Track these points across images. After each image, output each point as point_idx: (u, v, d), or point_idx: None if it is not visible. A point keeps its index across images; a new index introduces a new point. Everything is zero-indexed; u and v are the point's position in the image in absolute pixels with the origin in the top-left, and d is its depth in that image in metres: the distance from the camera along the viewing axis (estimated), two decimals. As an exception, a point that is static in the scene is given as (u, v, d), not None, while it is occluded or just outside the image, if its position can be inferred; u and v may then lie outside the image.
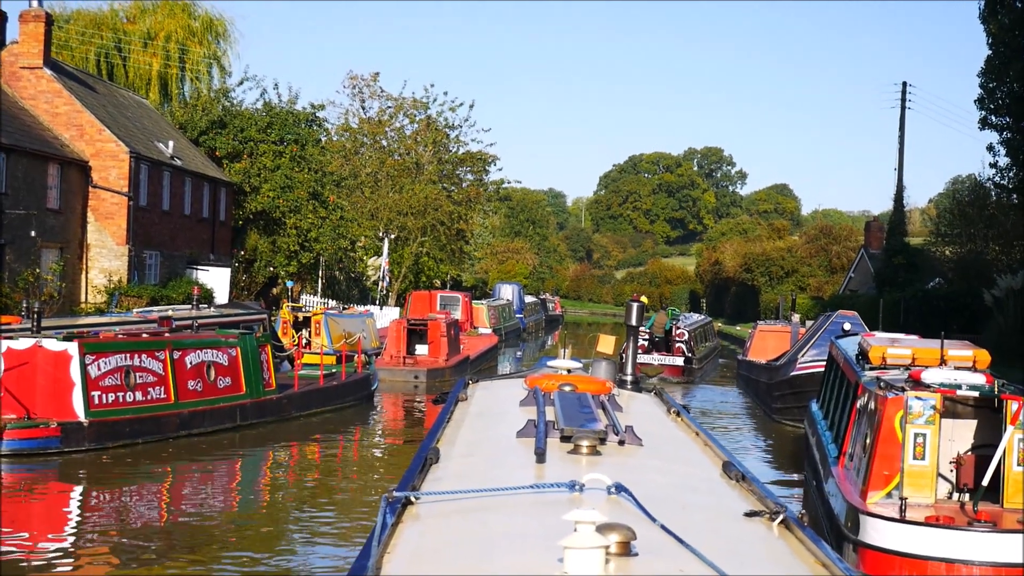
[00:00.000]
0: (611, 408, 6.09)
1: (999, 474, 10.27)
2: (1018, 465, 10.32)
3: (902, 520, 9.98)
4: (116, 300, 33.52)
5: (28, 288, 31.17)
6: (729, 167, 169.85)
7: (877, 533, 10.09)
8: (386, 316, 42.09)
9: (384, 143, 58.84)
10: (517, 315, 59.13)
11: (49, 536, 13.10)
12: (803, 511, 10.32)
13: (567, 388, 6.35)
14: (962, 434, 11.39)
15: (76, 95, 36.65)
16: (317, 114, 51.85)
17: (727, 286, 79.34)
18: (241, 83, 51.46)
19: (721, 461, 5.33)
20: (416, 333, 32.13)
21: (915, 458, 10.52)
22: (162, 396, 19.00)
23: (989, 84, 36.47)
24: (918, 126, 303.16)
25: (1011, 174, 36.72)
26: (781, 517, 4.10)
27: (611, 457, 5.00)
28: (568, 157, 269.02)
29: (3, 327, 18.25)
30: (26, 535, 12.89)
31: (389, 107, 58.81)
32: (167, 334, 20.22)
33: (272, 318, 30.37)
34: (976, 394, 10.79)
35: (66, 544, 12.79)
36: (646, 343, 33.99)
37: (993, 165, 37.88)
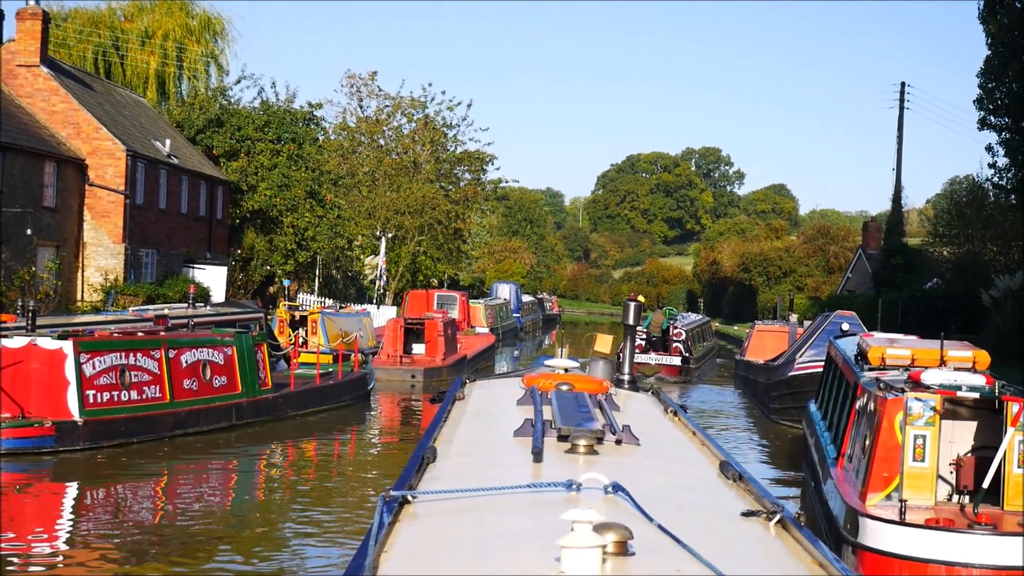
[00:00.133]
0: (608, 407, 6.08)
1: (999, 476, 10.22)
2: (1019, 467, 10.27)
3: (902, 522, 9.93)
4: (112, 299, 33.49)
5: (24, 286, 31.12)
6: (727, 167, 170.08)
7: (876, 535, 10.04)
8: (383, 315, 42.00)
9: (382, 142, 58.79)
10: (514, 314, 59.08)
11: (43, 536, 13.02)
12: (800, 511, 10.27)
13: (564, 387, 6.36)
14: (962, 436, 11.34)
15: (73, 93, 36.60)
16: (314, 113, 51.86)
17: (725, 286, 79.43)
18: (239, 82, 51.59)
19: (718, 461, 5.34)
20: (413, 332, 32.11)
21: (915, 460, 10.46)
22: (157, 395, 18.93)
23: (988, 84, 36.44)
24: (917, 126, 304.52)
25: (1010, 174, 36.68)
26: (778, 517, 4.09)
27: (608, 456, 4.99)
28: (566, 157, 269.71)
29: (-2, 325, 18.18)
30: (20, 535, 12.81)
31: (387, 106, 58.80)
32: (163, 333, 20.15)
33: (268, 317, 30.29)
34: (976, 395, 10.72)
35: (60, 544, 12.72)
36: (643, 343, 33.98)
37: (992, 165, 37.87)
